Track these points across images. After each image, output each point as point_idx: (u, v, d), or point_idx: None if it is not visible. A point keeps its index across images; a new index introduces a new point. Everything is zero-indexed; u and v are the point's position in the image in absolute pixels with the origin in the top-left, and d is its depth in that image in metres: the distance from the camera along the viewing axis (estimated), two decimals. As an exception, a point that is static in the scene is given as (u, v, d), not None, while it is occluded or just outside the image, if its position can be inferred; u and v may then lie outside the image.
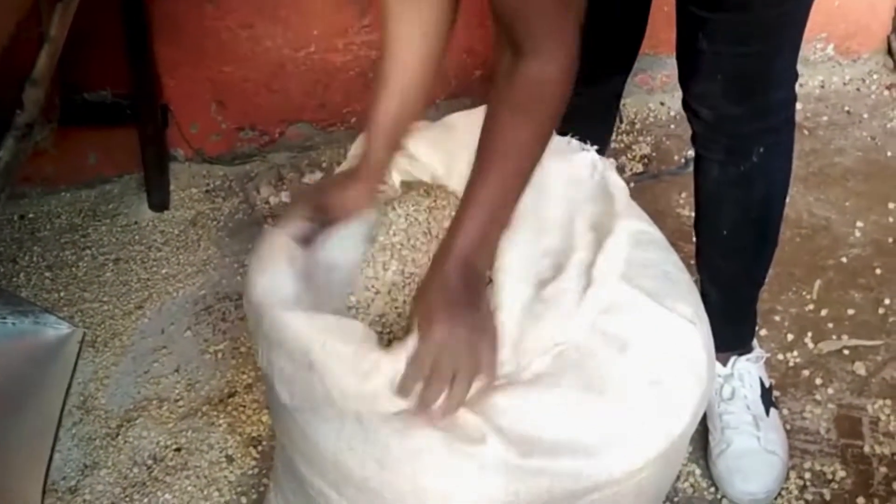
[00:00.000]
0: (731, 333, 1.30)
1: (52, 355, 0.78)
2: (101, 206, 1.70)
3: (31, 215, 1.67)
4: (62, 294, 1.54)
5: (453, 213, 0.99)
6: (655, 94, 1.87)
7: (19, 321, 0.77)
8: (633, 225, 1.01)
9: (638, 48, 1.25)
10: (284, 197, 1.72)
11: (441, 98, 1.81)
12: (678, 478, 1.28)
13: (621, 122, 1.86)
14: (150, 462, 1.32)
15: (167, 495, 1.28)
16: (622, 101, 1.85)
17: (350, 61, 1.74)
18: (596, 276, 0.93)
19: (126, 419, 1.37)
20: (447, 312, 0.88)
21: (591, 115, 1.20)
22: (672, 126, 1.78)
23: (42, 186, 1.70)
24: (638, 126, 1.86)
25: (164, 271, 1.59)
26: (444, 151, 1.08)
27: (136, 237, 1.65)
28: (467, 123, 1.05)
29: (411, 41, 1.00)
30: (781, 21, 1.10)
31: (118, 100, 1.62)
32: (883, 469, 1.29)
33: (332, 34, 1.71)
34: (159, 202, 1.69)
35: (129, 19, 1.52)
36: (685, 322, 0.94)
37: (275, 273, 0.95)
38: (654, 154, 1.78)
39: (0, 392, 0.75)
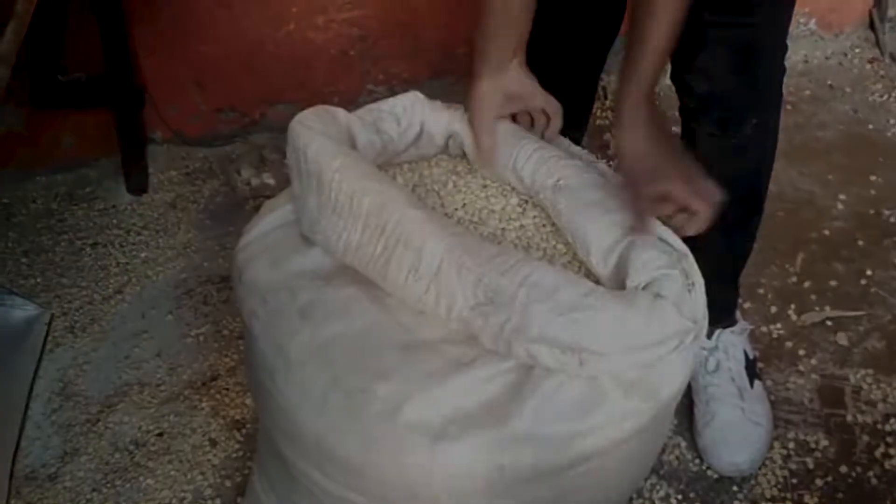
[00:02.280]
0: (715, 306, 1.30)
1: (20, 336, 0.77)
2: (78, 189, 1.69)
3: (5, 200, 1.66)
4: (39, 280, 1.52)
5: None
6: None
7: None
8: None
9: (619, 23, 1.24)
10: (266, 178, 1.71)
11: (426, 76, 1.81)
12: (663, 450, 1.29)
13: (606, 98, 1.85)
14: (131, 447, 1.32)
15: (150, 480, 1.27)
16: (607, 78, 1.86)
17: (331, 39, 1.73)
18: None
19: (107, 405, 1.37)
20: (653, 136, 0.97)
21: (573, 91, 1.20)
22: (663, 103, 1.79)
23: (17, 170, 1.68)
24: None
25: (143, 255, 1.59)
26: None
27: (115, 221, 1.64)
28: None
29: None
30: None
31: (93, 82, 1.60)
32: (865, 437, 1.31)
33: (312, 11, 1.70)
34: (137, 185, 1.68)
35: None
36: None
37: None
38: None
39: None
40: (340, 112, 1.04)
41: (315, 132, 0.97)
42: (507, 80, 1.06)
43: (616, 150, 1.01)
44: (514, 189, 1.06)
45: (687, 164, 1.02)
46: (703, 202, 1.01)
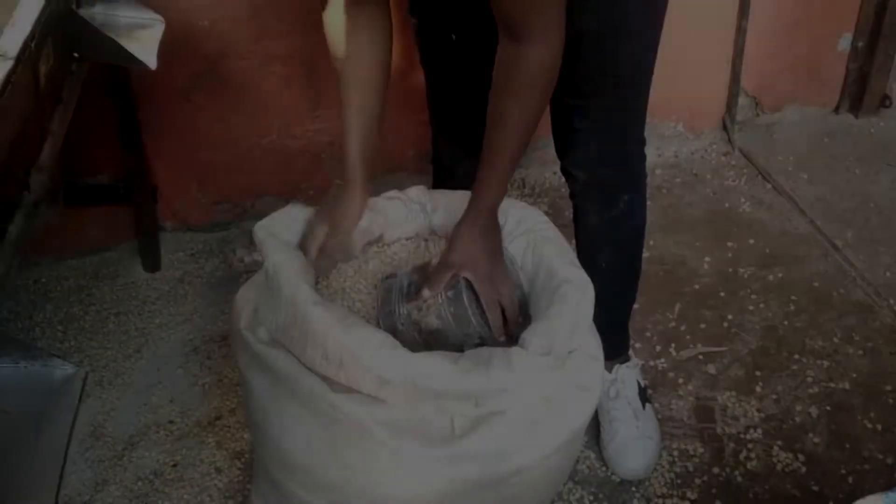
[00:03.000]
0: (612, 345, 1.33)
1: (60, 392, 0.77)
2: (103, 269, 1.69)
3: (43, 280, 1.66)
4: (72, 343, 1.52)
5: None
6: (549, 165, 1.92)
7: (30, 364, 0.77)
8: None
9: None
10: (257, 256, 1.65)
11: (381, 171, 1.78)
12: (577, 461, 1.32)
13: (524, 186, 1.94)
14: (151, 477, 1.31)
15: (167, 503, 1.26)
16: (524, 172, 1.93)
17: (306, 145, 1.76)
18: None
19: (130, 443, 1.36)
20: (477, 255, 0.96)
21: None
22: (563, 189, 1.75)
23: (53, 256, 1.68)
24: (537, 190, 1.93)
25: (157, 321, 1.58)
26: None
27: (133, 294, 1.64)
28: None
29: (363, 72, 1.03)
30: (637, 95, 1.16)
31: (114, 183, 1.63)
32: (731, 444, 1.36)
33: (289, 124, 1.73)
34: (152, 265, 1.68)
35: (122, 116, 1.53)
36: (592, 359, 1.00)
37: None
38: (550, 211, 1.84)
39: (16, 425, 0.73)
40: (302, 212, 1.05)
41: (267, 233, 0.99)
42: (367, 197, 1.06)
43: (449, 256, 0.97)
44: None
45: (506, 271, 1.00)
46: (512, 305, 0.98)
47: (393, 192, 1.12)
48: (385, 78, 1.07)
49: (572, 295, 0.97)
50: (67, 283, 1.66)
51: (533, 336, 0.91)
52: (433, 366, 0.87)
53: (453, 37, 1.14)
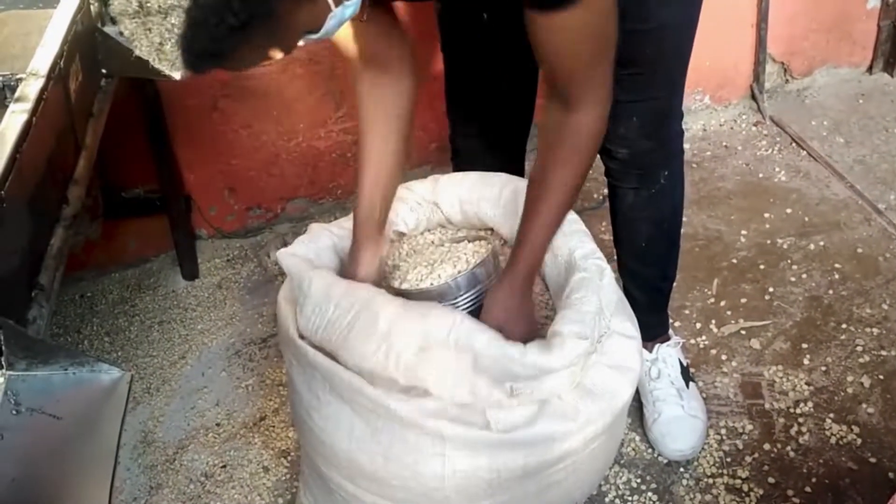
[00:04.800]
0: (653, 324, 1.34)
1: (108, 395, 0.77)
2: (144, 280, 1.71)
3: (88, 294, 1.68)
4: (119, 353, 1.54)
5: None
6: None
7: (78, 370, 0.77)
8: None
9: (531, 114, 1.24)
10: None
11: (407, 168, 1.85)
12: (622, 444, 1.31)
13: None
14: (202, 479, 1.32)
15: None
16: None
17: (331, 146, 1.77)
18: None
19: (180, 447, 1.37)
20: (513, 318, 0.95)
21: (505, 128, 1.21)
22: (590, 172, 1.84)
23: (95, 270, 1.70)
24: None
25: (199, 327, 1.60)
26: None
27: (175, 302, 1.65)
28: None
29: (383, 130, 1.02)
30: (676, 67, 1.14)
31: (150, 195, 1.65)
32: (781, 420, 1.34)
33: (315, 126, 1.74)
34: (190, 273, 1.70)
35: (152, 130, 1.55)
36: (627, 339, 0.99)
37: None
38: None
39: (66, 429, 0.75)
40: (323, 233, 1.07)
41: (292, 256, 1.00)
42: (375, 256, 1.04)
43: (486, 318, 0.96)
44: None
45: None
46: None
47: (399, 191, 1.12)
48: (403, 147, 1.06)
49: (592, 278, 0.96)
50: (111, 295, 1.68)
51: (564, 325, 0.91)
52: (479, 331, 0.87)
53: (485, 16, 1.11)
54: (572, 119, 0.90)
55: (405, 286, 1.00)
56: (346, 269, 1.05)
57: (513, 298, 0.97)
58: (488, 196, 1.11)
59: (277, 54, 0.67)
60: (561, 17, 0.80)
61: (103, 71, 1.23)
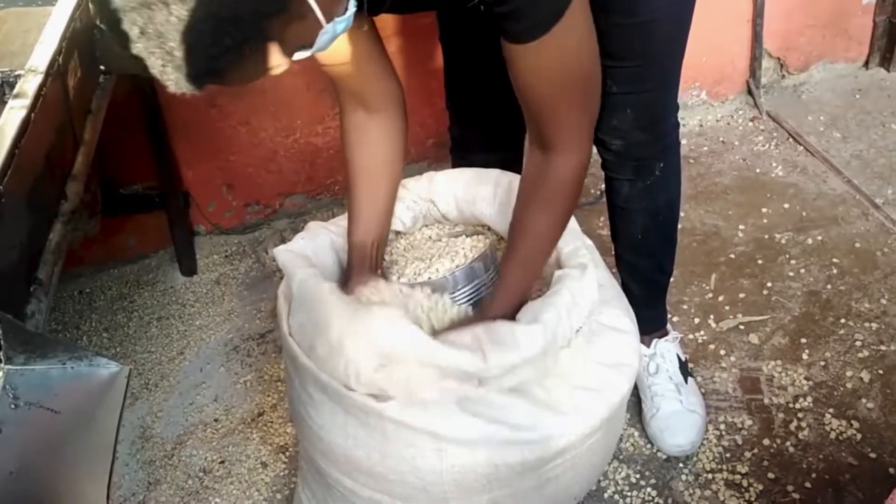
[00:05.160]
0: (650, 318, 1.34)
1: (106, 390, 0.77)
2: (143, 276, 1.71)
3: (87, 290, 1.68)
4: (118, 349, 1.54)
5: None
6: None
7: (76, 364, 0.77)
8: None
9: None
10: None
11: (404, 163, 1.86)
12: (621, 439, 1.30)
13: None
14: (201, 474, 1.32)
15: (217, 499, 1.28)
16: None
17: (329, 142, 1.77)
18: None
19: (178, 442, 1.37)
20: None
21: (499, 117, 1.19)
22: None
23: (94, 267, 1.70)
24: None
25: (197, 323, 1.60)
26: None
27: (173, 298, 1.65)
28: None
29: (373, 177, 1.03)
30: (670, 60, 1.13)
31: (148, 192, 1.65)
32: (780, 415, 1.33)
33: (312, 122, 1.74)
34: (189, 269, 1.70)
35: (151, 126, 1.55)
36: (622, 333, 0.99)
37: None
38: None
39: (64, 423, 0.74)
40: (321, 231, 1.07)
41: (288, 253, 1.00)
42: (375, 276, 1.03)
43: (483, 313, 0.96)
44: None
45: None
46: None
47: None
48: (396, 174, 1.06)
49: (571, 275, 0.97)
50: (110, 291, 1.68)
51: (523, 314, 0.92)
52: (438, 348, 0.87)
53: (482, 8, 1.10)
54: (552, 161, 0.90)
55: (403, 280, 1.00)
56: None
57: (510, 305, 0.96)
58: (484, 194, 1.11)
59: (273, 71, 0.69)
60: (534, 48, 0.82)
61: (101, 68, 1.23)
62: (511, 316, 0.95)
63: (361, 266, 1.03)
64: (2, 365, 0.74)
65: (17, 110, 0.89)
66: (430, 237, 1.13)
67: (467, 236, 1.08)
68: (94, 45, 1.18)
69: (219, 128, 1.68)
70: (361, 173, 1.04)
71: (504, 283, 0.96)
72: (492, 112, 1.21)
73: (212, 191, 1.74)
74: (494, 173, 1.12)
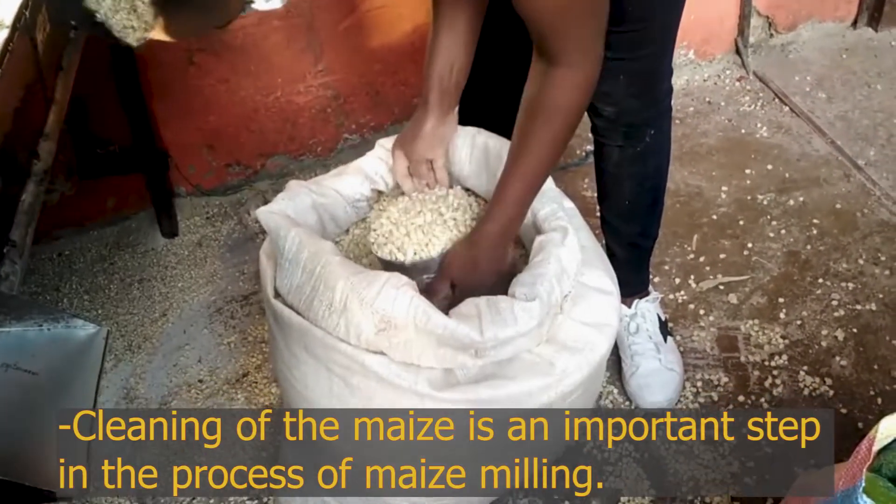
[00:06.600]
0: (633, 281, 1.35)
1: (84, 351, 0.76)
2: (123, 238, 1.70)
3: (67, 252, 1.67)
4: (100, 312, 1.53)
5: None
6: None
7: (53, 326, 0.78)
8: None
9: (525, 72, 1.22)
10: None
11: (388, 123, 1.82)
12: (600, 396, 1.33)
13: None
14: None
15: (202, 458, 1.27)
16: None
17: (311, 101, 1.75)
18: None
19: (163, 403, 1.38)
20: (469, 273, 0.93)
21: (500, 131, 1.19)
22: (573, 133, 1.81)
23: (73, 228, 1.69)
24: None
25: (179, 285, 1.59)
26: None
27: (154, 260, 1.65)
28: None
29: (456, 22, 0.99)
30: (666, 26, 1.12)
31: (126, 151, 1.61)
32: (756, 372, 1.35)
33: (293, 80, 1.71)
34: (170, 231, 1.69)
35: (125, 85, 1.52)
36: (604, 294, 1.00)
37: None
38: None
39: (43, 385, 0.75)
40: (302, 190, 1.06)
41: (273, 213, 0.99)
42: (446, 127, 1.04)
43: (451, 254, 0.97)
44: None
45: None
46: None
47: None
48: (477, 26, 1.02)
49: (553, 240, 0.97)
50: (90, 253, 1.67)
51: (517, 286, 0.92)
52: (436, 315, 0.88)
53: None
54: (557, 76, 0.88)
55: (406, 259, 1.00)
56: (405, 139, 1.05)
57: (472, 251, 0.95)
58: (462, 157, 1.10)
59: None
60: None
61: (72, 23, 1.19)
62: (507, 231, 0.95)
63: (441, 101, 1.00)
64: (-24, 327, 0.74)
65: (-18, 67, 0.87)
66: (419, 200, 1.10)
67: (455, 197, 1.07)
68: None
69: (197, 86, 1.66)
70: (445, 13, 1.00)
71: (503, 197, 0.94)
72: (496, 99, 1.16)
73: (192, 151, 1.72)
74: (471, 132, 1.10)
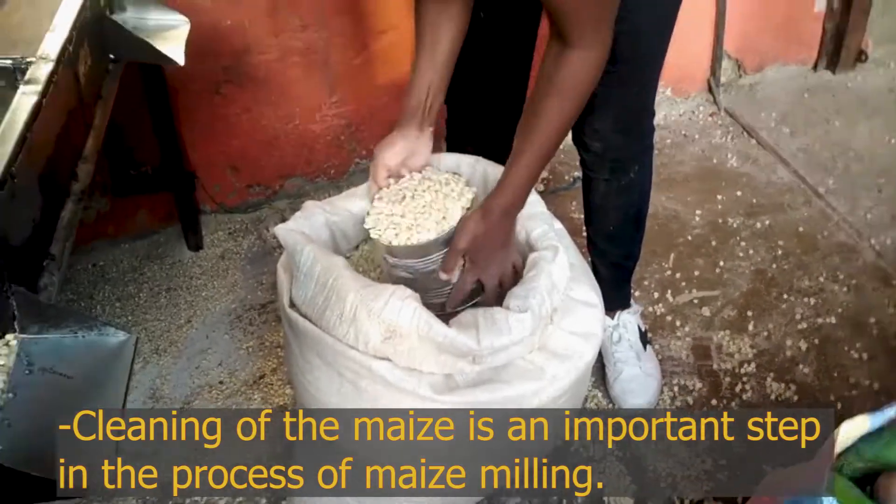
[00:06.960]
0: (616, 297, 1.35)
1: (115, 356, 0.75)
2: (153, 251, 1.69)
3: (101, 263, 1.66)
4: (129, 318, 1.53)
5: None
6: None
7: (87, 333, 0.77)
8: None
9: (532, 48, 1.16)
10: None
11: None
12: (586, 399, 1.33)
13: None
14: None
15: (221, 454, 1.24)
16: None
17: (326, 129, 1.75)
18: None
19: (186, 402, 1.37)
20: (479, 247, 0.91)
21: (501, 117, 1.15)
22: (562, 156, 1.82)
23: (107, 241, 1.68)
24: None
25: (203, 294, 1.59)
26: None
27: (181, 271, 1.64)
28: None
29: (440, 28, 0.98)
30: (652, 66, 1.12)
31: (157, 172, 1.61)
32: (727, 379, 1.36)
33: (310, 110, 1.72)
34: (195, 244, 1.69)
35: (158, 113, 1.52)
36: (590, 307, 1.00)
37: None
38: (550, 177, 1.82)
39: (77, 386, 0.74)
40: (317, 210, 1.04)
41: (290, 231, 0.98)
42: (420, 142, 1.01)
43: (464, 223, 0.94)
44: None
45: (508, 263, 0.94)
46: (490, 288, 0.95)
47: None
48: (456, 49, 1.00)
49: (545, 257, 0.97)
50: (122, 264, 1.67)
51: (511, 299, 0.92)
52: (437, 324, 0.87)
53: (481, 14, 1.06)
54: (571, 56, 0.87)
55: (407, 242, 0.98)
56: (381, 146, 1.01)
57: (482, 225, 0.93)
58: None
59: None
60: None
61: (111, 56, 1.20)
62: (516, 203, 0.92)
63: (412, 118, 0.98)
64: (17, 334, 0.73)
65: (28, 96, 0.86)
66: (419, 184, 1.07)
67: (455, 183, 1.04)
68: (104, 34, 1.15)
69: (223, 114, 1.66)
70: (428, 26, 0.98)
71: (514, 171, 0.92)
72: (492, 107, 1.17)
73: (217, 172, 1.72)
74: (471, 161, 1.08)
